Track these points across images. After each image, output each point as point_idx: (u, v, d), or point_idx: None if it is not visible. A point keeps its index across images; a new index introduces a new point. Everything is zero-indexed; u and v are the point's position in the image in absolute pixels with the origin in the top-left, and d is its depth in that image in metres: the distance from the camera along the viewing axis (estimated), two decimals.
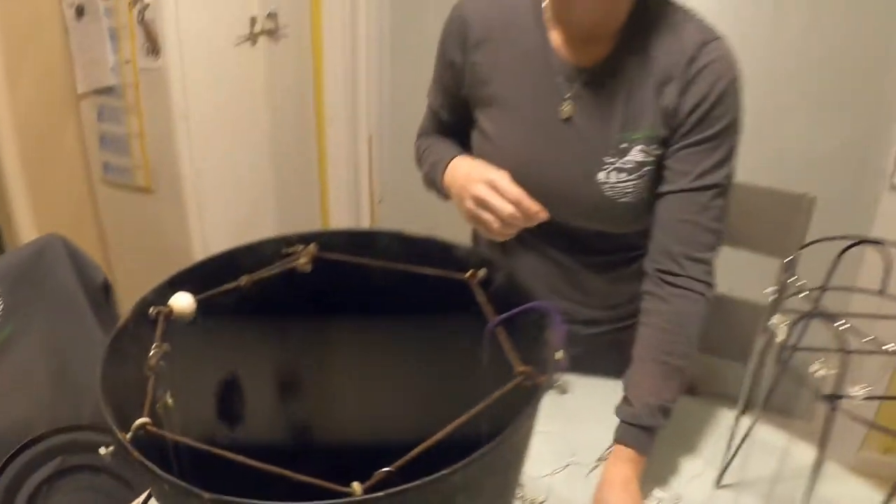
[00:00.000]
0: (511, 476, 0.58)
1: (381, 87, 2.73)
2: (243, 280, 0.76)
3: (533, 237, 1.28)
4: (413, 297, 0.77)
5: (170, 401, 0.61)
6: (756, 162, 2.10)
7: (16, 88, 2.17)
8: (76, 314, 1.29)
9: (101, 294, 1.32)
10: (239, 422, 0.71)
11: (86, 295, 1.30)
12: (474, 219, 1.09)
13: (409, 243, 0.83)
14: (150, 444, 0.51)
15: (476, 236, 1.43)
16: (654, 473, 1.07)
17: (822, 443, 0.73)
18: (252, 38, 2.39)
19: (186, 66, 2.18)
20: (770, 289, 0.84)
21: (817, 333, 0.78)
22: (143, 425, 0.51)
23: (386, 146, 2.81)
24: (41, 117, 2.29)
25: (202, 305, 0.70)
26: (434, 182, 1.26)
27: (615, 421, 1.06)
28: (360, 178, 2.83)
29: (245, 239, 0.84)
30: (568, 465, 1.10)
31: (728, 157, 1.10)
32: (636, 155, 1.12)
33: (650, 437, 1.04)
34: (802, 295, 0.80)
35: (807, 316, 0.76)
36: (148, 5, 2.10)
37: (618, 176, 1.13)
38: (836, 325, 0.67)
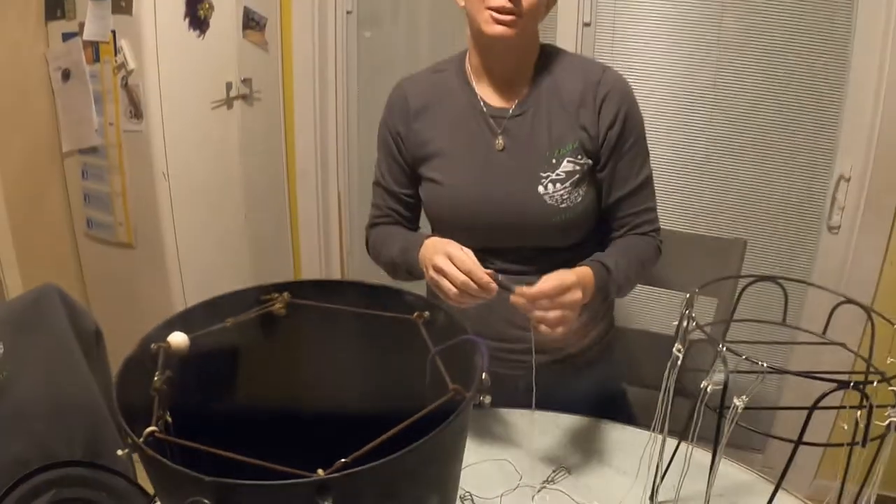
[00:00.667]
0: (447, 470, 0.73)
1: (348, 147, 2.84)
2: (228, 321, 0.91)
3: (486, 267, 1.44)
4: (371, 335, 0.92)
5: (168, 418, 0.74)
6: (702, 209, 2.28)
7: (4, 146, 2.24)
8: (69, 358, 1.36)
9: (93, 340, 1.41)
10: (228, 420, 0.84)
11: (78, 340, 1.38)
12: (435, 286, 1.26)
13: (368, 290, 0.98)
14: (155, 447, 0.65)
15: (430, 292, 1.60)
16: (593, 494, 1.21)
17: (715, 448, 0.87)
18: (228, 102, 2.48)
19: (167, 128, 2.27)
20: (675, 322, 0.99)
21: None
22: (151, 432, 0.66)
23: (354, 202, 2.91)
24: (28, 174, 2.36)
25: (194, 342, 0.84)
26: (406, 262, 1.40)
27: (560, 450, 1.28)
28: (331, 233, 2.91)
29: (221, 291, 0.98)
30: (517, 487, 1.24)
31: (647, 154, 1.44)
32: (566, 166, 1.37)
33: (607, 275, 1.30)
34: (703, 326, 0.95)
35: (710, 342, 0.90)
36: (132, 71, 2.21)
37: (554, 186, 1.36)
38: (718, 348, 0.83)
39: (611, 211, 1.44)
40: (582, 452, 1.33)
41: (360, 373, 0.95)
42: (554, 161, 1.37)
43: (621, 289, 1.37)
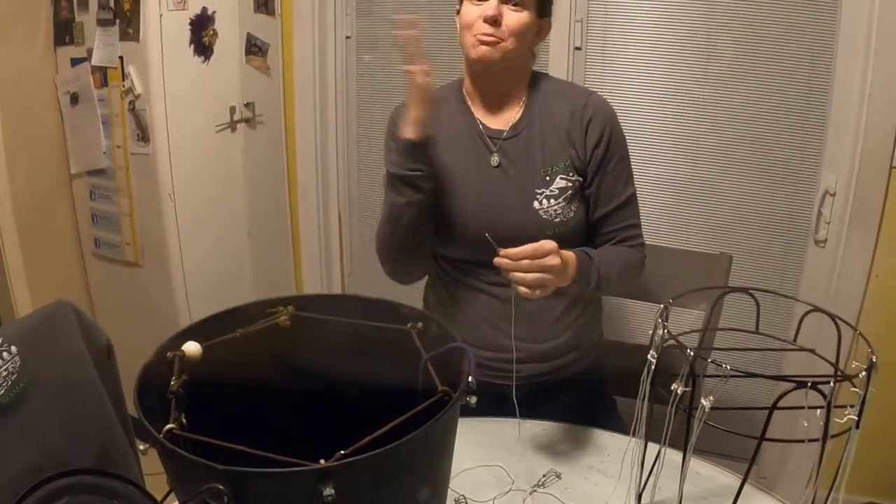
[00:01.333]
0: (437, 464, 0.80)
1: (348, 168, 2.88)
2: (238, 332, 0.98)
3: (481, 279, 1.55)
4: (369, 344, 1.00)
5: (184, 420, 0.81)
6: (689, 225, 2.33)
7: (14, 168, 2.29)
8: (82, 371, 1.41)
9: (105, 354, 1.47)
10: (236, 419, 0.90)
11: (91, 354, 1.44)
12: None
13: (365, 304, 1.06)
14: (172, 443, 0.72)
15: (427, 304, 1.68)
16: (582, 497, 1.27)
17: (686, 446, 0.93)
18: (232, 125, 2.53)
19: (173, 151, 2.32)
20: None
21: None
22: (170, 429, 0.72)
23: (355, 223, 2.94)
24: (37, 195, 2.41)
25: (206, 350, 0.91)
26: (389, 182, 1.46)
27: (551, 457, 1.36)
28: (331, 252, 2.95)
29: (226, 308, 1.05)
30: (509, 491, 1.30)
31: (631, 174, 1.54)
32: (559, 182, 1.46)
33: (589, 261, 1.41)
34: (677, 335, 1.01)
35: (680, 348, 0.97)
36: (139, 96, 2.27)
37: (548, 202, 1.46)
38: (687, 352, 0.90)
39: (597, 226, 1.53)
40: (572, 459, 1.39)
41: (358, 377, 1.02)
42: (548, 178, 1.46)
43: (602, 282, 1.43)
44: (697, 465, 1.34)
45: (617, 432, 1.47)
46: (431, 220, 1.53)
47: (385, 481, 0.71)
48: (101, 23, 2.28)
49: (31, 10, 2.35)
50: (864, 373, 0.88)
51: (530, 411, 1.40)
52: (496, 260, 1.26)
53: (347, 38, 2.74)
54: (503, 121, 1.52)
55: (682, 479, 0.95)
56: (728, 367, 0.83)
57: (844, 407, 0.89)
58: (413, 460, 0.74)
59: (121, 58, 2.28)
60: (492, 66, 1.44)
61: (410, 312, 1.01)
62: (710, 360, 0.88)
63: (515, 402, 1.33)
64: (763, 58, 2.16)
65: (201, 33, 2.37)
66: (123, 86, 2.30)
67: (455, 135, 1.53)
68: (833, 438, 0.89)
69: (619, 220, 1.52)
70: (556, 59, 2.35)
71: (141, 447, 0.74)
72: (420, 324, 0.98)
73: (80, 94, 2.41)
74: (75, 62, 2.38)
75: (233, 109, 2.54)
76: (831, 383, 0.83)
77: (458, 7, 1.49)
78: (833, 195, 2.13)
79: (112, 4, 2.24)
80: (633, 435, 1.08)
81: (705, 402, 0.87)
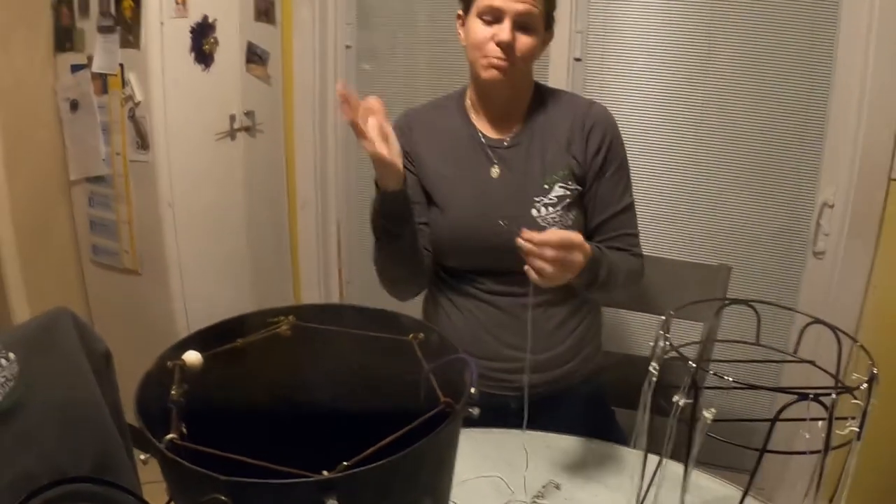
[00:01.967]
0: (439, 476, 0.80)
1: (347, 177, 2.89)
2: (239, 342, 0.97)
3: (480, 288, 1.55)
4: (370, 354, 0.99)
5: (184, 428, 0.80)
6: (688, 237, 2.33)
7: (13, 174, 2.30)
8: (80, 378, 1.40)
9: (103, 361, 1.46)
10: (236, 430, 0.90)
11: (89, 361, 1.44)
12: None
13: (366, 314, 1.05)
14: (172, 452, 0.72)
15: (426, 313, 1.68)
16: None
17: (687, 457, 0.93)
18: (231, 133, 2.54)
19: (172, 158, 2.33)
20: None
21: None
22: (171, 439, 0.72)
23: (354, 232, 2.94)
24: (36, 201, 2.41)
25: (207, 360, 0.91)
26: (376, 206, 1.45)
27: (550, 468, 1.36)
28: (330, 261, 2.95)
29: (224, 317, 1.04)
30: (509, 502, 1.30)
31: (629, 184, 1.55)
32: (558, 191, 1.48)
33: (600, 254, 1.37)
34: (679, 347, 1.02)
35: (682, 360, 0.97)
36: (139, 104, 2.28)
37: (547, 210, 1.47)
38: (688, 363, 0.90)
39: (594, 233, 1.53)
40: (571, 469, 1.39)
41: (360, 389, 1.02)
42: (546, 186, 1.47)
43: (608, 280, 1.41)
44: (697, 476, 1.33)
45: (617, 443, 1.47)
46: (424, 240, 1.55)
47: (388, 493, 0.71)
48: (102, 30, 2.29)
49: (31, 16, 2.36)
50: (865, 384, 0.88)
51: (530, 422, 1.40)
52: (519, 241, 1.19)
53: (347, 47, 2.75)
54: (504, 130, 1.54)
55: (684, 490, 0.95)
56: (730, 379, 0.83)
57: (845, 419, 0.89)
58: (416, 472, 0.74)
59: (121, 65, 2.29)
60: (503, 86, 1.47)
61: (412, 323, 1.01)
62: (713, 372, 0.88)
63: (525, 411, 1.32)
64: (761, 70, 2.17)
65: (202, 41, 2.38)
66: (123, 93, 2.31)
67: (456, 145, 1.55)
68: (832, 451, 0.89)
69: (616, 227, 1.53)
70: (556, 70, 2.36)
71: (142, 457, 0.74)
72: (421, 334, 0.98)
73: (80, 101, 2.42)
74: (75, 69, 2.39)
75: (233, 118, 2.55)
76: (833, 395, 0.83)
77: (459, 13, 1.49)
78: (831, 207, 2.14)
79: (113, 11, 2.25)
80: (633, 446, 1.08)
81: (707, 414, 0.87)
